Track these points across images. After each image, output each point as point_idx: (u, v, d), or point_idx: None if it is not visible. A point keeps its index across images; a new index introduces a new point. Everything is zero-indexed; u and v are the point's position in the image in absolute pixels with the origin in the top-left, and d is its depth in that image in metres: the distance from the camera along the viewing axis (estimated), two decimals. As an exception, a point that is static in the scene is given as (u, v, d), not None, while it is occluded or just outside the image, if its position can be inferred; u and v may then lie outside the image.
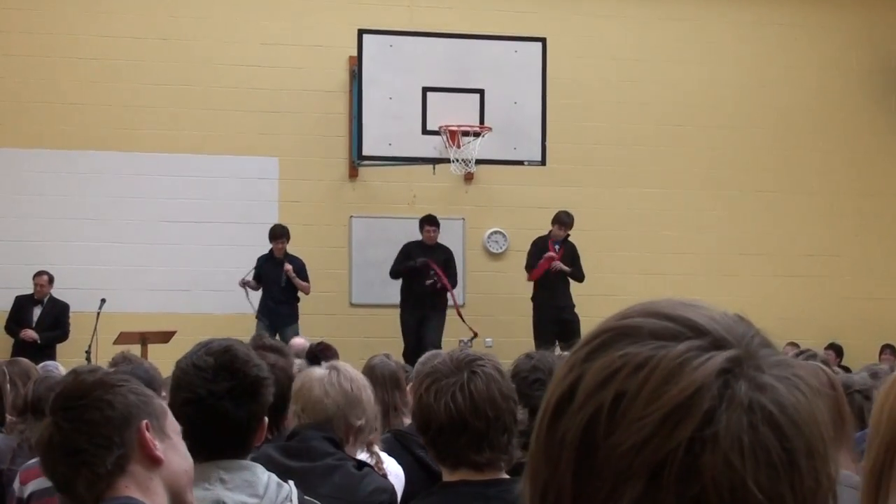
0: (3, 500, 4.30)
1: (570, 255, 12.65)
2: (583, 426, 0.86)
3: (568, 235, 12.70)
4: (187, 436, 2.61)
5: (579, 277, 12.67)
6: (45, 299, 12.27)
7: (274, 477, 2.62)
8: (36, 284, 12.23)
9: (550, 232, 12.68)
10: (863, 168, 14.74)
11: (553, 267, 12.43)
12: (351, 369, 3.28)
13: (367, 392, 3.27)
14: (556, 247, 12.61)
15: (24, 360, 6.18)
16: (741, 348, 0.87)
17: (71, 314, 12.44)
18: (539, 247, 12.66)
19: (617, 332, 0.90)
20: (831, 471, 0.88)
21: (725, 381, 0.85)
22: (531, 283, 12.70)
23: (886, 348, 14.03)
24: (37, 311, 12.20)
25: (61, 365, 7.39)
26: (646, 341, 0.88)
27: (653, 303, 0.93)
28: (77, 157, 13.01)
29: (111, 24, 13.16)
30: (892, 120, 14.82)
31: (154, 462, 2.14)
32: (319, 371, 3.21)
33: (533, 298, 12.62)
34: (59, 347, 11.98)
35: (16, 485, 4.06)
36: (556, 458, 0.87)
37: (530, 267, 12.67)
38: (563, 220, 12.60)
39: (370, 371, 5.15)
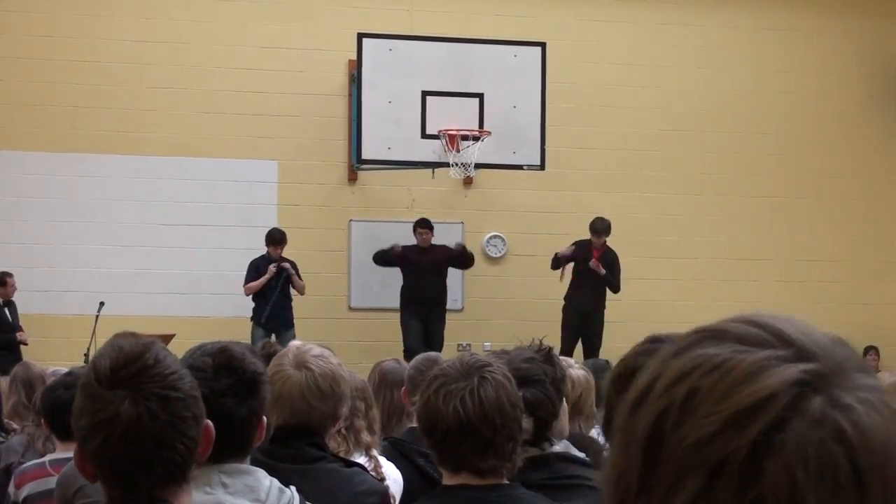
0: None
1: (608, 263, 12.54)
2: (654, 418, 0.88)
3: (605, 242, 12.57)
4: None
5: (613, 286, 12.57)
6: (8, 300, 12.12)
7: (276, 482, 2.61)
8: (8, 285, 12.14)
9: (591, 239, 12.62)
10: (862, 173, 14.75)
11: (590, 265, 12.34)
12: (320, 361, 3.15)
13: (343, 380, 3.22)
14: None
15: (38, 365, 6.20)
16: (827, 365, 0.87)
17: (70, 317, 12.45)
18: (578, 246, 12.56)
19: (705, 335, 0.92)
20: None
21: (801, 393, 0.85)
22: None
23: (870, 350, 14.02)
24: (8, 313, 12.02)
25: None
26: (729, 344, 0.89)
27: (752, 313, 0.94)
28: (76, 161, 13.01)
29: (111, 27, 13.16)
30: (892, 125, 14.83)
31: (197, 464, 2.11)
32: (294, 377, 3.13)
33: (564, 298, 12.58)
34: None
35: (10, 489, 4.05)
36: (629, 448, 0.90)
37: (556, 260, 12.56)
38: (596, 228, 12.51)
39: (381, 376, 5.10)
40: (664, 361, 0.92)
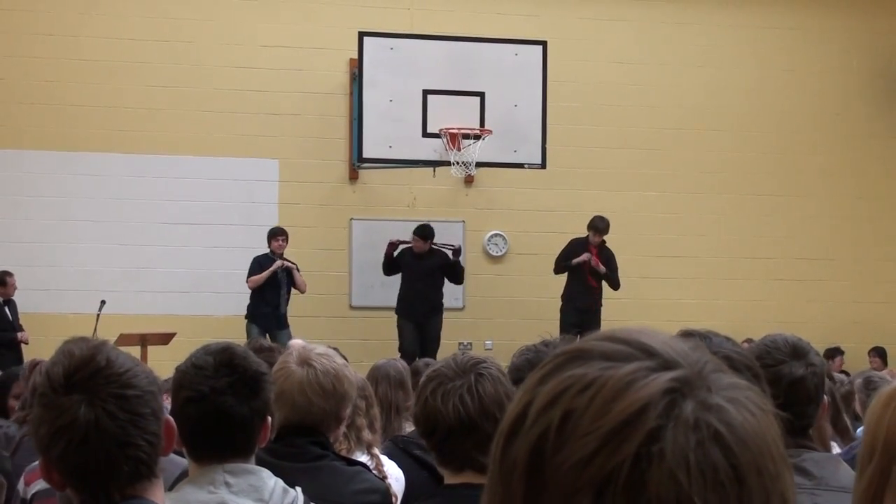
0: None
1: (606, 260, 12.56)
2: (532, 444, 0.88)
3: (604, 241, 12.62)
4: (191, 435, 2.62)
5: (613, 283, 12.58)
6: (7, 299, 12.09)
7: (280, 482, 2.62)
8: (8, 284, 12.11)
9: (588, 237, 12.63)
10: (862, 172, 14.75)
11: (592, 264, 12.36)
12: (324, 359, 3.18)
13: (347, 380, 3.23)
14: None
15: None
16: (691, 370, 0.89)
17: (71, 315, 12.46)
18: (573, 246, 12.61)
19: (569, 356, 0.92)
20: (784, 488, 0.89)
21: (672, 400, 0.86)
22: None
23: (872, 351, 13.97)
24: (9, 312, 11.99)
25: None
26: (595, 362, 0.89)
27: (610, 329, 0.94)
28: (77, 159, 13.01)
29: (112, 26, 13.17)
30: (892, 124, 14.83)
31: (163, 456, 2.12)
32: (297, 374, 3.15)
33: (561, 297, 12.59)
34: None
35: (20, 485, 4.06)
36: (509, 478, 0.89)
37: (559, 262, 12.59)
38: (596, 226, 12.53)
39: (375, 371, 5.14)
40: (532, 388, 0.91)
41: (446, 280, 12.55)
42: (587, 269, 12.41)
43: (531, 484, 0.87)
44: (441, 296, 12.53)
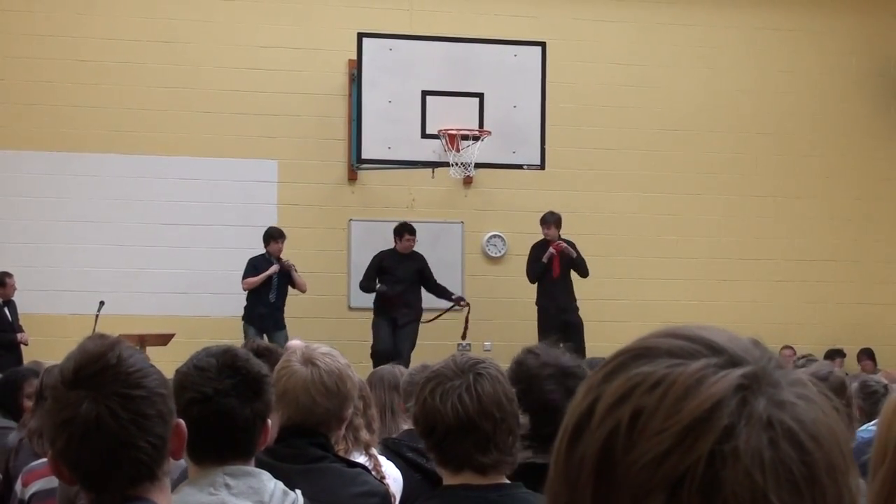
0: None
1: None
2: (601, 444, 0.87)
3: (559, 234, 12.59)
4: (192, 437, 2.62)
5: (581, 270, 12.52)
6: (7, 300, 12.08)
7: (280, 484, 2.62)
8: (8, 286, 12.11)
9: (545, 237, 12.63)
10: (862, 173, 14.75)
11: (562, 249, 12.32)
12: (327, 359, 3.20)
13: (350, 380, 3.23)
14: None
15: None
16: (758, 366, 0.88)
17: (70, 316, 12.45)
18: (535, 250, 12.61)
19: (634, 354, 0.91)
20: (852, 485, 0.89)
21: (743, 398, 0.85)
22: (533, 288, 12.63)
23: (862, 353, 13.89)
24: (8, 313, 11.97)
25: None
26: (662, 360, 0.89)
27: (671, 326, 0.94)
28: (76, 160, 13.01)
29: (111, 26, 13.16)
30: (891, 124, 14.83)
31: (175, 460, 2.11)
32: (301, 372, 3.15)
33: (536, 302, 12.55)
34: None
35: (17, 486, 4.05)
36: (576, 479, 0.88)
37: (530, 270, 12.59)
38: (545, 220, 12.51)
39: (371, 377, 5.17)
40: (597, 386, 0.90)
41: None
42: (557, 263, 12.36)
43: (600, 483, 0.86)
44: (420, 300, 12.50)
